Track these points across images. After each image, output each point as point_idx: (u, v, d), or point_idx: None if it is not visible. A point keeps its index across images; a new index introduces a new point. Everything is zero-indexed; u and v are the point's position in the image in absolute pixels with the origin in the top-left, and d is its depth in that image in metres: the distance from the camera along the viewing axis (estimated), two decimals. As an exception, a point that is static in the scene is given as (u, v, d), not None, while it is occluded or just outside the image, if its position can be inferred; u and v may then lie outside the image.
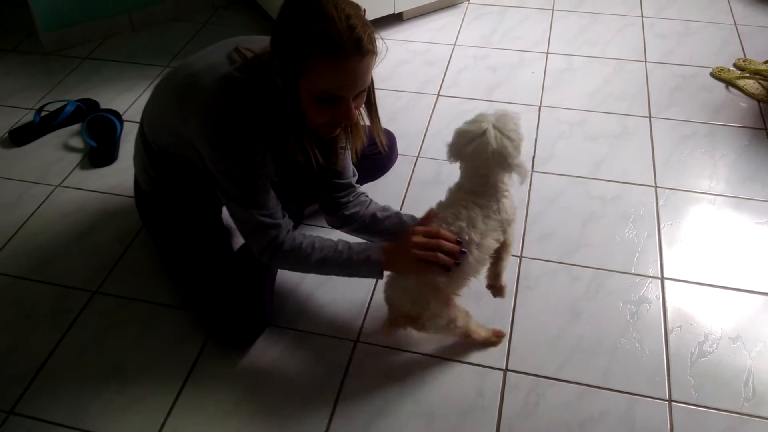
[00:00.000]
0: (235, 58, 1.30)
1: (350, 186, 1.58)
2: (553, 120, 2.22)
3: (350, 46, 1.13)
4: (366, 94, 1.28)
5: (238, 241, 1.64)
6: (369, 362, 1.55)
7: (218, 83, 1.27)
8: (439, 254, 1.32)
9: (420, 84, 2.39)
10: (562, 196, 1.95)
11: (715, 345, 1.56)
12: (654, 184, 1.97)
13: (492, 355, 1.55)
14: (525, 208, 1.90)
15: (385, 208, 1.58)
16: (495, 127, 1.30)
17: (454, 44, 2.62)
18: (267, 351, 1.58)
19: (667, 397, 1.46)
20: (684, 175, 2.00)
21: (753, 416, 1.42)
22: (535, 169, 2.03)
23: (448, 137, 1.37)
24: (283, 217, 1.41)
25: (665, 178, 1.99)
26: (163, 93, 1.45)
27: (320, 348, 1.59)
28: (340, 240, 1.44)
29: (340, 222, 1.59)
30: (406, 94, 2.36)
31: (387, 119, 1.69)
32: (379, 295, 1.66)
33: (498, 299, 1.56)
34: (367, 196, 1.61)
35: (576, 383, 1.49)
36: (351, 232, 1.61)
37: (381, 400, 1.48)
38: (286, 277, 1.71)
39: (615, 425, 1.41)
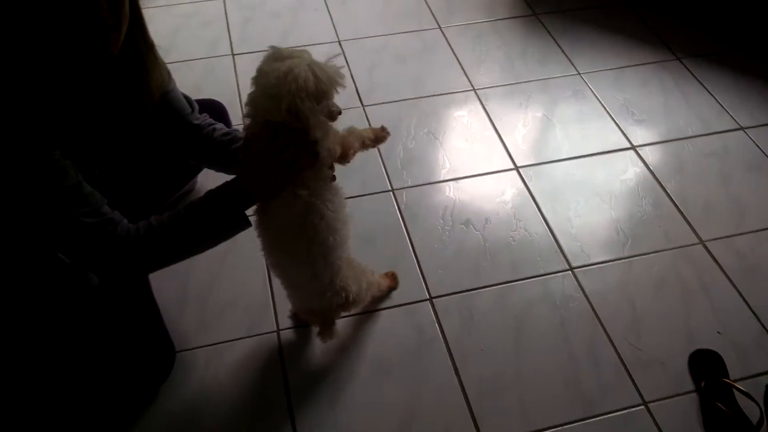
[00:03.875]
0: None
1: (192, 125, 1.34)
2: (359, 51, 2.20)
3: None
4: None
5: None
6: (301, 346, 1.46)
7: None
8: (294, 149, 1.10)
9: (208, 47, 2.18)
10: (400, 121, 1.97)
11: (584, 207, 1.76)
12: (471, 87, 2.09)
13: (411, 291, 1.56)
14: (373, 142, 1.89)
15: (227, 132, 1.37)
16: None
17: (223, -2, 2.43)
18: (186, 382, 1.39)
19: (568, 267, 1.62)
20: (491, 72, 2.15)
21: (634, 256, 1.65)
22: (364, 104, 2.02)
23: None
24: (113, 212, 1.12)
25: (478, 80, 2.12)
26: None
27: (244, 353, 1.44)
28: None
29: (202, 157, 1.38)
30: (198, 62, 2.13)
31: (190, 92, 1.50)
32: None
33: (392, 238, 1.56)
34: (210, 124, 1.37)
35: (494, 285, 1.58)
36: (216, 165, 1.39)
37: (332, 375, 1.41)
38: (166, 297, 1.49)
39: (541, 306, 1.54)
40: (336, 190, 1.19)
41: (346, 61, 2.14)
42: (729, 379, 1.42)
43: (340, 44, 2.23)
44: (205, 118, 1.38)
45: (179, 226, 1.13)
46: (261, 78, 1.05)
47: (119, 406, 1.34)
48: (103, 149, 1.19)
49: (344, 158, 1.19)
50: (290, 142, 1.09)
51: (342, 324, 1.47)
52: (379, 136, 1.27)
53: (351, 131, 1.21)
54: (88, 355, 1.26)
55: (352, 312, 1.40)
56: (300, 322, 1.49)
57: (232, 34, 2.26)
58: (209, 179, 1.72)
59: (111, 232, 1.08)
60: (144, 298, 1.39)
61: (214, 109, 1.62)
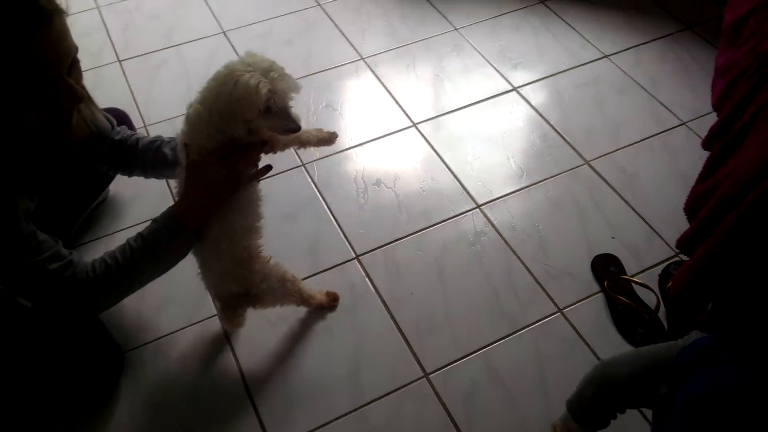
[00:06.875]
0: None
1: (115, 141, 1.38)
2: (245, 39, 2.24)
3: (30, 18, 0.89)
4: (79, 62, 1.04)
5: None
6: (243, 327, 1.52)
7: None
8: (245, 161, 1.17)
9: (92, 58, 2.16)
10: (298, 99, 2.00)
11: (481, 149, 1.90)
12: (360, 57, 2.19)
13: (339, 254, 1.66)
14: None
15: (153, 140, 1.42)
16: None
17: (98, 6, 2.38)
18: (138, 378, 1.44)
19: (475, 205, 1.76)
20: (376, 40, 2.25)
21: (531, 185, 1.81)
22: (260, 88, 2.07)
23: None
24: (70, 254, 1.14)
25: (364, 49, 2.22)
26: None
27: (190, 341, 1.50)
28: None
29: (130, 168, 1.43)
30: (86, 74, 2.05)
31: (86, 106, 1.54)
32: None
33: (312, 210, 1.63)
34: (131, 135, 1.41)
35: (413, 234, 1.70)
36: (145, 173, 1.44)
37: (279, 344, 1.50)
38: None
39: (458, 245, 1.68)
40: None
41: (235, 51, 2.19)
42: (627, 275, 1.61)
43: (225, 35, 2.26)
44: (125, 131, 1.42)
45: (134, 259, 1.16)
46: (213, 92, 1.07)
47: (78, 410, 1.37)
48: (40, 179, 1.18)
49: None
50: (241, 155, 1.14)
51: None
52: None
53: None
54: (36, 368, 1.29)
55: (262, 308, 1.39)
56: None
57: (114, 41, 2.24)
58: (119, 185, 1.75)
59: (71, 276, 1.11)
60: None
61: (115, 116, 1.64)
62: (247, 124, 1.09)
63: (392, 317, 1.54)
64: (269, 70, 1.07)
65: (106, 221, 1.72)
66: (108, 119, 1.38)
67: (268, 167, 1.22)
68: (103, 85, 2.09)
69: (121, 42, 2.24)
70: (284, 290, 1.36)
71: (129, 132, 1.42)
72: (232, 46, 2.21)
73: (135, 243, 1.17)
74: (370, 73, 2.13)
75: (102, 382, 1.40)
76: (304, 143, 1.28)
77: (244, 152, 1.16)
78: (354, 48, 2.22)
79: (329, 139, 1.30)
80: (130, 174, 1.45)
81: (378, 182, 1.82)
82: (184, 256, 1.24)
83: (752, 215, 1.16)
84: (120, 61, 2.17)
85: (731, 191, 1.24)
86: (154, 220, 1.19)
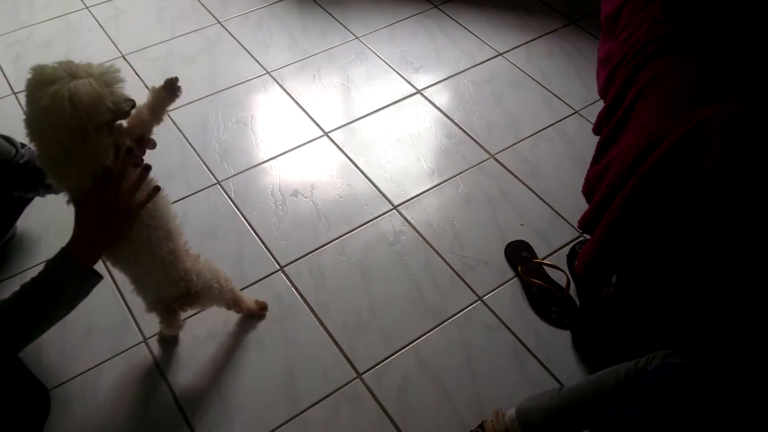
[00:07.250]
0: None
1: (20, 165, 1.35)
2: (146, 61, 2.22)
3: None
4: None
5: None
6: (173, 346, 1.52)
7: None
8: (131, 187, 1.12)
9: (-16, 93, 2.08)
10: (207, 117, 2.04)
11: (392, 152, 1.97)
12: (265, 71, 2.21)
13: (263, 267, 1.68)
14: (188, 144, 1.96)
15: None
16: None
17: (-17, 38, 2.29)
18: (67, 416, 1.40)
19: (392, 206, 1.82)
20: (279, 54, 2.28)
21: (442, 182, 1.89)
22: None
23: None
24: None
25: (269, 63, 2.24)
26: None
27: (118, 371, 1.48)
28: None
29: (36, 188, 1.39)
30: (-22, 109, 2.02)
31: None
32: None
33: (231, 226, 1.65)
34: (35, 153, 1.33)
35: (334, 240, 1.74)
36: (49, 189, 1.36)
37: (210, 362, 1.50)
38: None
39: (378, 246, 1.73)
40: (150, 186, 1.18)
41: (137, 74, 2.16)
42: (538, 258, 1.72)
43: (125, 58, 2.22)
44: (28, 151, 1.40)
45: (29, 306, 1.11)
46: (49, 124, 0.99)
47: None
48: None
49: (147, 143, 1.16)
50: (121, 177, 1.08)
51: (202, 317, 1.56)
52: (161, 96, 1.14)
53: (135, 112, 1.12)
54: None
55: (200, 307, 1.41)
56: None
57: (7, 74, 2.16)
58: (29, 220, 1.71)
59: None
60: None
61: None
62: (101, 131, 1.02)
63: (321, 323, 1.57)
64: (77, 70, 0.99)
65: (17, 259, 1.66)
66: (11, 142, 1.35)
67: (157, 188, 1.17)
68: (1, 119, 2.01)
69: (15, 74, 2.16)
70: (220, 287, 1.37)
71: (33, 150, 1.38)
72: (134, 70, 2.17)
73: (29, 288, 1.11)
74: (277, 86, 2.16)
75: (27, 427, 1.35)
76: (154, 111, 1.14)
77: (122, 171, 1.09)
78: (258, 63, 2.24)
79: (171, 88, 1.15)
80: (38, 193, 1.42)
81: (295, 193, 1.85)
82: (86, 295, 1.18)
83: (636, 195, 1.28)
84: (15, 94, 2.10)
85: (619, 173, 1.36)
86: (47, 264, 1.13)
